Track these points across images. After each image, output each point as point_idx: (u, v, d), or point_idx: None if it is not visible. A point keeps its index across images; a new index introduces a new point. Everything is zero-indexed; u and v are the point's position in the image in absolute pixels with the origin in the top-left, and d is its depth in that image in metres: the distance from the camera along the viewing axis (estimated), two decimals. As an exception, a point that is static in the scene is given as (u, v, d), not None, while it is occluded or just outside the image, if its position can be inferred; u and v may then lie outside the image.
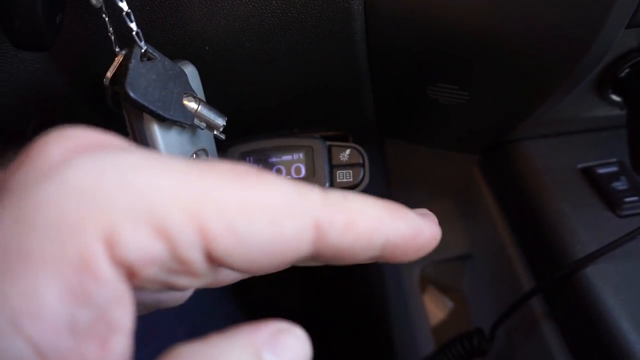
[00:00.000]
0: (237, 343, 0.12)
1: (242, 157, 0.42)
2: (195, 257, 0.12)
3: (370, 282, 0.68)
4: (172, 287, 0.13)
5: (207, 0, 0.30)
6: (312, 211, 0.13)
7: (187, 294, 0.17)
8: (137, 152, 0.12)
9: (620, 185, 0.41)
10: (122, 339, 0.12)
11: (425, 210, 0.17)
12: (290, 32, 0.32)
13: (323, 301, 0.71)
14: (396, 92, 0.43)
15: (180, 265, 0.12)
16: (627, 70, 0.37)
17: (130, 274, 0.11)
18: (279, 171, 0.41)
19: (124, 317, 0.12)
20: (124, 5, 0.25)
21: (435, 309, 0.66)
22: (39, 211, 0.11)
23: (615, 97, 0.40)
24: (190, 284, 0.13)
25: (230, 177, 0.12)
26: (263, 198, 0.12)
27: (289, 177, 0.41)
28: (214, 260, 0.12)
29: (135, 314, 0.12)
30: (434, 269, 0.67)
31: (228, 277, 0.17)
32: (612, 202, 0.40)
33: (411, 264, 0.67)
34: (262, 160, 0.41)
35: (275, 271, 0.14)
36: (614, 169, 0.43)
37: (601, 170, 0.43)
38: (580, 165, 0.44)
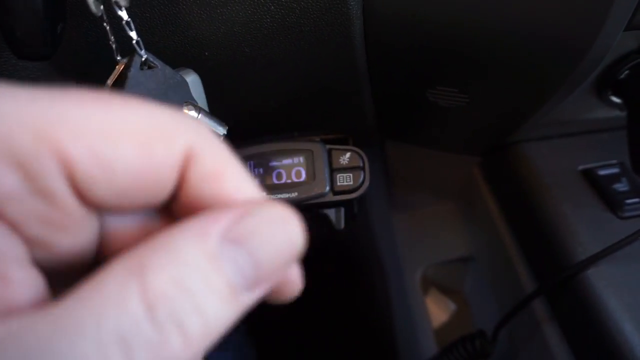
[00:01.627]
0: (182, 237, 0.11)
1: (243, 162, 0.42)
2: (59, 188, 0.11)
3: (373, 284, 0.68)
4: (52, 243, 0.12)
5: (206, 7, 0.30)
6: (185, 137, 0.12)
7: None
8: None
9: (621, 186, 0.41)
10: (20, 271, 0.11)
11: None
12: (289, 37, 0.33)
13: (326, 303, 0.71)
14: (396, 95, 0.43)
15: (44, 199, 0.11)
16: (626, 72, 0.37)
17: None
18: (279, 175, 0.41)
19: (10, 248, 0.11)
20: (123, 14, 0.26)
21: (438, 310, 0.66)
22: None
23: (615, 99, 0.40)
24: (70, 237, 0.12)
25: (90, 100, 0.11)
26: (131, 120, 0.11)
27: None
28: (80, 193, 0.11)
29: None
30: (436, 270, 0.67)
31: (116, 233, 0.14)
32: (613, 203, 0.40)
33: (413, 266, 0.67)
34: (263, 164, 0.41)
35: (142, 208, 0.12)
36: (614, 170, 0.43)
37: (602, 172, 0.42)
38: (581, 167, 0.44)
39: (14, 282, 0.11)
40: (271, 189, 0.41)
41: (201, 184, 0.12)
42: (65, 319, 0.10)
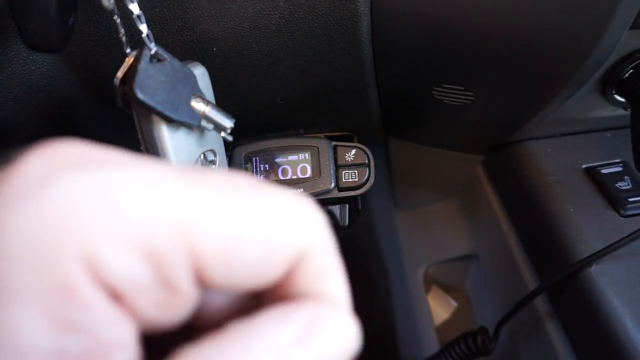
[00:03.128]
0: (255, 340, 0.11)
1: (249, 157, 0.42)
2: (185, 280, 0.11)
3: (375, 281, 0.68)
4: (160, 321, 0.12)
5: (215, 2, 0.30)
6: (303, 237, 0.12)
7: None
8: (124, 166, 0.11)
9: (624, 185, 0.41)
10: (126, 353, 0.11)
11: None
12: (297, 33, 0.33)
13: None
14: (402, 92, 0.43)
15: (168, 289, 0.11)
16: (630, 71, 0.37)
17: (118, 300, 0.11)
18: (285, 171, 0.42)
19: (123, 335, 0.11)
20: (134, 8, 0.26)
21: (439, 308, 0.67)
22: (14, 235, 0.10)
23: (619, 98, 0.40)
24: (177, 315, 0.12)
25: (224, 190, 0.11)
26: (258, 216, 0.12)
27: (294, 177, 0.42)
28: (202, 281, 0.12)
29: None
30: (438, 269, 0.67)
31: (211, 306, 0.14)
32: (616, 201, 0.40)
33: (415, 264, 0.67)
34: (268, 160, 0.42)
35: (244, 289, 0.13)
36: (617, 169, 0.43)
37: (605, 170, 0.43)
38: (584, 166, 0.44)
39: None
40: (276, 185, 0.41)
41: (303, 281, 0.13)
42: None
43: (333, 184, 0.41)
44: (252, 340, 0.11)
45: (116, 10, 0.27)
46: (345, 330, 0.12)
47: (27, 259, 0.10)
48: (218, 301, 0.14)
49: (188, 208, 0.11)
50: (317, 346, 0.12)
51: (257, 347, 0.11)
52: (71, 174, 0.11)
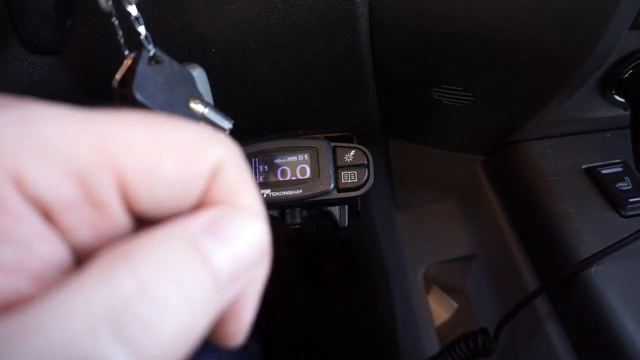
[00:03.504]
0: (165, 233, 0.12)
1: (248, 159, 0.42)
2: (112, 198, 0.12)
3: (375, 282, 0.68)
4: (93, 247, 0.12)
5: (213, 4, 0.30)
6: (218, 151, 0.13)
7: None
8: (44, 106, 0.12)
9: (624, 185, 0.41)
10: (57, 273, 0.12)
11: None
12: (295, 35, 0.33)
13: (328, 301, 0.71)
14: (401, 93, 0.43)
15: (97, 208, 0.12)
16: (630, 71, 0.37)
17: (49, 217, 0.12)
18: (284, 172, 0.41)
19: (54, 252, 0.12)
20: (132, 10, 0.26)
21: (440, 309, 0.67)
22: None
23: (618, 98, 0.40)
24: (109, 241, 0.13)
25: (138, 119, 0.13)
26: (172, 136, 0.13)
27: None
28: (127, 203, 0.12)
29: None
30: (438, 269, 0.67)
31: None
32: (616, 202, 0.40)
33: (415, 265, 0.67)
34: (268, 161, 0.42)
35: (169, 214, 0.13)
36: (618, 169, 0.43)
37: (605, 171, 0.43)
38: (584, 166, 0.44)
39: (44, 285, 0.11)
40: (275, 186, 0.41)
41: (220, 194, 0.13)
42: (56, 302, 0.10)
43: (332, 185, 0.41)
44: (162, 231, 0.12)
45: (114, 12, 0.27)
46: (255, 228, 0.13)
47: None
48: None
49: (107, 130, 0.12)
50: (226, 236, 0.12)
51: (167, 234, 0.12)
52: None
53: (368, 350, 0.67)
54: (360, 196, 0.42)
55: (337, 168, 0.41)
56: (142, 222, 0.13)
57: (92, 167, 0.12)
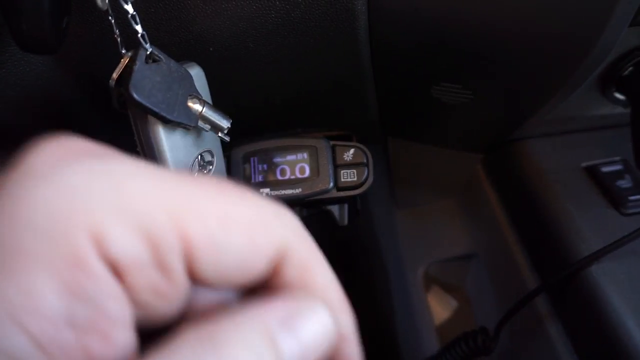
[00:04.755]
0: (245, 322, 0.12)
1: (247, 158, 0.42)
2: (178, 265, 0.12)
3: (375, 281, 0.68)
4: (151, 310, 0.13)
5: (211, 2, 0.30)
6: (283, 232, 0.14)
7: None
8: (126, 161, 0.13)
9: (624, 183, 0.41)
10: (123, 332, 0.12)
11: None
12: (293, 32, 0.33)
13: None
14: (400, 91, 0.43)
15: (163, 272, 0.12)
16: (630, 69, 0.37)
17: (119, 275, 0.12)
18: (283, 171, 0.41)
19: (123, 312, 0.12)
20: (129, 8, 0.26)
21: (440, 308, 0.67)
22: (32, 210, 0.11)
23: (619, 96, 0.40)
24: (170, 306, 0.13)
25: (213, 190, 0.13)
26: (242, 212, 0.13)
27: (294, 176, 0.41)
28: (192, 272, 0.13)
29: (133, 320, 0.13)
30: (438, 268, 0.67)
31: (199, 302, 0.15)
32: (616, 200, 0.40)
33: (415, 263, 0.67)
34: (267, 160, 0.41)
35: (232, 288, 0.14)
36: (618, 167, 0.43)
37: (605, 169, 0.42)
38: (584, 164, 0.44)
39: (114, 343, 0.12)
40: (275, 184, 0.41)
41: (291, 274, 0.14)
42: None
43: (332, 184, 0.40)
44: (243, 317, 0.12)
45: (110, 11, 0.26)
46: (325, 321, 0.14)
47: (45, 231, 0.11)
48: (208, 302, 0.15)
49: (181, 197, 0.12)
50: (300, 331, 0.13)
51: (248, 323, 0.12)
52: (80, 160, 0.12)
53: (368, 349, 0.67)
54: (360, 195, 0.42)
55: (337, 167, 0.41)
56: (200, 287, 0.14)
57: (164, 231, 0.12)
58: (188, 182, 0.13)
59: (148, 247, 0.12)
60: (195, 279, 0.13)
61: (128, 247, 0.12)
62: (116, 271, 0.12)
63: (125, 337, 0.12)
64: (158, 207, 0.12)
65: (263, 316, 0.13)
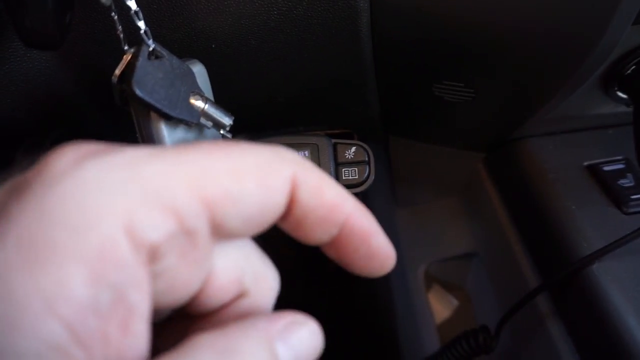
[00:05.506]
0: (252, 334, 0.14)
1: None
2: (201, 227, 0.13)
3: (375, 280, 0.68)
4: (176, 280, 0.14)
5: (213, -1, 0.30)
6: (289, 167, 0.15)
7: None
8: (134, 149, 0.14)
9: (626, 182, 0.41)
10: (141, 323, 0.13)
11: None
12: (296, 30, 0.33)
13: (328, 299, 0.71)
14: (401, 89, 0.43)
15: (188, 237, 0.13)
16: (633, 67, 0.37)
17: (151, 255, 0.13)
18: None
19: (142, 302, 0.13)
20: (132, 4, 0.26)
21: (440, 307, 0.67)
22: (60, 206, 0.12)
23: (621, 94, 0.40)
24: (194, 271, 0.14)
25: (217, 150, 0.14)
26: (248, 161, 0.14)
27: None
28: (216, 228, 0.14)
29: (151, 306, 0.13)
30: (438, 267, 0.67)
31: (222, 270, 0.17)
32: (618, 199, 0.40)
33: (416, 262, 0.67)
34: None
35: (262, 230, 0.15)
36: (620, 166, 0.43)
37: (607, 168, 0.42)
38: (586, 163, 0.44)
39: (131, 333, 0.12)
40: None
41: (307, 198, 0.15)
42: None
43: (333, 182, 0.40)
44: (249, 334, 0.14)
45: (114, 7, 0.26)
46: (314, 334, 0.15)
47: (74, 225, 0.12)
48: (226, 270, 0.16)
49: (194, 165, 0.13)
50: (293, 342, 0.15)
51: (254, 334, 0.14)
52: (99, 157, 0.13)
53: (368, 348, 0.67)
54: (361, 193, 0.42)
55: (338, 165, 0.41)
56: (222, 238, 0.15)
57: (187, 203, 0.13)
58: (196, 150, 0.14)
59: (175, 221, 0.13)
60: (223, 233, 0.14)
61: (159, 227, 0.12)
62: (149, 253, 0.13)
63: (142, 328, 0.13)
64: (177, 181, 0.13)
65: (267, 328, 0.14)
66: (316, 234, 0.16)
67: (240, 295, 0.16)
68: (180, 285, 0.14)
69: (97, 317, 0.12)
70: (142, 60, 0.26)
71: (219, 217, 0.14)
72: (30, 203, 0.12)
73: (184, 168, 0.13)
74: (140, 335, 0.13)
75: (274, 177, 0.15)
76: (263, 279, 0.17)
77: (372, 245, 0.17)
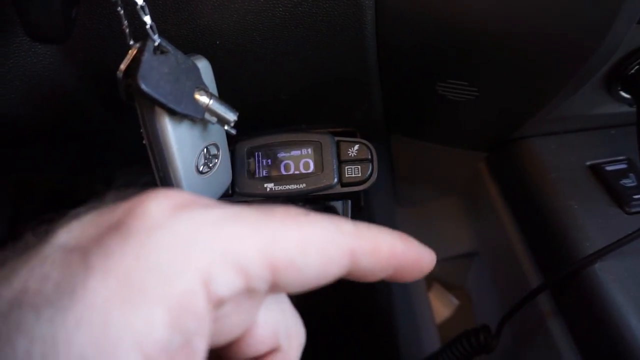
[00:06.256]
0: None
1: (251, 152, 0.42)
2: (262, 287, 0.15)
3: (376, 279, 0.68)
4: (228, 322, 0.16)
5: (218, -5, 0.30)
6: (348, 241, 0.17)
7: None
8: (220, 207, 0.16)
9: (628, 182, 0.41)
10: None
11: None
12: (300, 27, 0.33)
13: (328, 298, 0.71)
14: (405, 88, 0.43)
15: (250, 294, 0.15)
16: (636, 67, 0.37)
17: (217, 305, 0.14)
18: (287, 166, 0.41)
19: (202, 346, 0.14)
20: (138, -1, 0.26)
21: (441, 306, 0.67)
22: (155, 254, 0.14)
23: (624, 94, 0.40)
24: (243, 318, 0.17)
25: (288, 220, 0.16)
26: (313, 235, 0.16)
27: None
28: (274, 287, 0.16)
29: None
30: (439, 266, 0.67)
31: None
32: (620, 199, 0.40)
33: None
34: (271, 155, 0.41)
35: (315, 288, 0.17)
36: (622, 166, 0.43)
37: (609, 168, 0.42)
38: (588, 163, 0.44)
39: None
40: (279, 179, 0.41)
41: (365, 263, 0.17)
42: None
43: (336, 180, 0.40)
44: None
45: (120, 2, 0.26)
46: None
47: (163, 273, 0.13)
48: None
49: (266, 233, 0.15)
50: None
51: None
52: (189, 212, 0.15)
53: (368, 347, 0.67)
54: (363, 191, 0.42)
55: (341, 162, 0.41)
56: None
57: (256, 265, 0.15)
58: (272, 218, 0.16)
59: (244, 280, 0.15)
60: (278, 291, 0.16)
61: (230, 284, 0.14)
62: (217, 305, 0.14)
63: None
64: (250, 246, 0.15)
65: None
66: (374, 279, 0.18)
67: (274, 350, 0.18)
68: (228, 330, 0.16)
69: (167, 357, 0.13)
70: (147, 55, 0.26)
71: (281, 281, 0.15)
72: (133, 248, 0.14)
73: (259, 235, 0.15)
74: None
75: (334, 251, 0.16)
76: (295, 335, 0.19)
77: (423, 267, 0.19)
